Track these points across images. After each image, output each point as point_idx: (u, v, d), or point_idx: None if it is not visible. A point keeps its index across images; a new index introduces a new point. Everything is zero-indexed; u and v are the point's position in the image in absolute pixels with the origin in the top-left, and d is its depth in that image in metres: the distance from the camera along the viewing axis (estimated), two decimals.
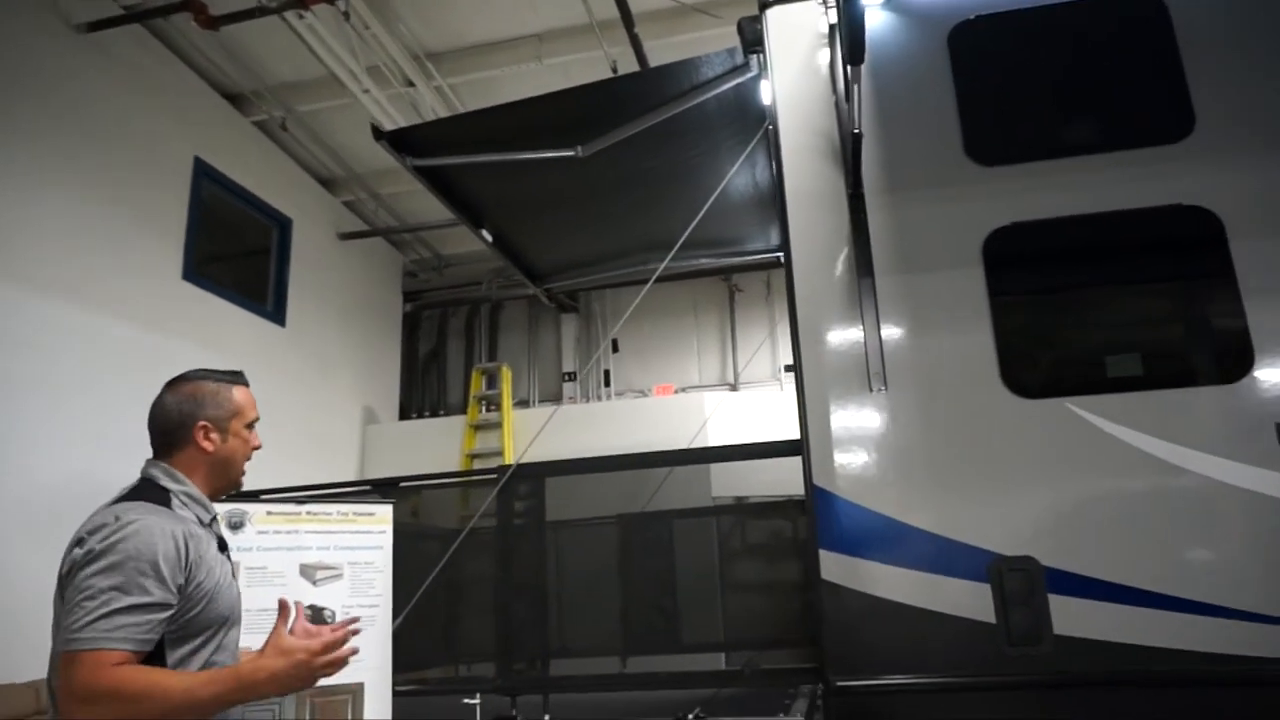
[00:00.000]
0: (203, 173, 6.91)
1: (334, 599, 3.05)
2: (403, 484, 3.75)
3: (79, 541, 1.72)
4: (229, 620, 1.86)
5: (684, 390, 10.34)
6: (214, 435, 1.94)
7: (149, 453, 1.99)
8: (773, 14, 3.58)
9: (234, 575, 1.94)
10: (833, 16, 3.46)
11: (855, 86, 2.81)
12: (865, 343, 3.14)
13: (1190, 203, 3.04)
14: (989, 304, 3.07)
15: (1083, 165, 3.18)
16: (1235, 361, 2.88)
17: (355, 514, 3.12)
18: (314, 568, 3.03)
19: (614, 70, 6.78)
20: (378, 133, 3.99)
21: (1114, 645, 2.70)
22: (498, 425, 9.03)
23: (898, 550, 2.95)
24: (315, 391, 8.14)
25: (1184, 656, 2.63)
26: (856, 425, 3.10)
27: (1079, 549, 2.81)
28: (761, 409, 8.74)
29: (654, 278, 4.08)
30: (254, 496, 3.10)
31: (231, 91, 7.35)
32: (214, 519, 1.96)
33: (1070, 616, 2.76)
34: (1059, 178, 3.17)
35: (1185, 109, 3.13)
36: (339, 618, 3.10)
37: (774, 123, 3.49)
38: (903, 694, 2.85)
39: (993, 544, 2.87)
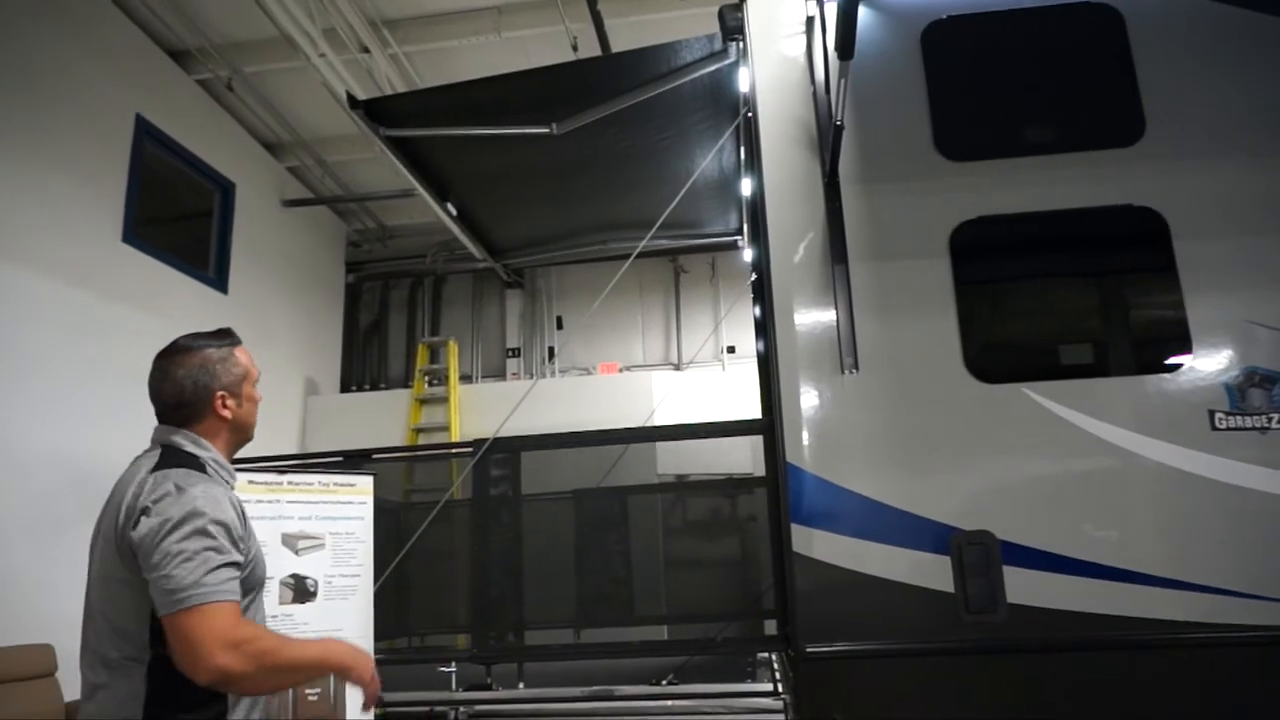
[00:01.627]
0: (145, 132, 6.65)
1: (316, 569, 3.06)
2: (375, 456, 3.75)
3: (145, 510, 1.73)
4: (264, 582, 1.91)
5: (628, 369, 10.45)
6: (230, 402, 1.97)
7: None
8: (754, 3, 3.66)
9: None
10: (812, 8, 3.56)
11: (842, 81, 2.92)
12: (838, 326, 3.28)
13: (1139, 204, 3.25)
14: (955, 293, 3.23)
15: (1043, 164, 3.36)
16: (1175, 352, 3.11)
17: (336, 484, 3.13)
18: (296, 537, 3.02)
19: (574, 47, 6.78)
20: (353, 101, 3.94)
21: (1063, 613, 2.91)
22: (444, 400, 8.97)
23: (865, 524, 3.11)
24: (257, 360, 7.93)
25: (1127, 623, 2.86)
26: (827, 405, 3.24)
27: (1032, 524, 3.01)
28: (706, 389, 8.90)
29: (634, 255, 4.17)
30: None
31: (175, 48, 7.07)
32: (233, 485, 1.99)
33: (1023, 586, 2.96)
34: (1022, 175, 3.35)
35: (1137, 115, 3.34)
36: (321, 587, 3.12)
37: (753, 110, 3.59)
38: (868, 659, 3.02)
39: (953, 519, 3.05)
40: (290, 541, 3.01)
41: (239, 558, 1.76)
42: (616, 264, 10.56)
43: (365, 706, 1.89)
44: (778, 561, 3.44)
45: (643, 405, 8.79)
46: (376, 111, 4.00)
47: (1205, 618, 2.86)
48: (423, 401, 9.07)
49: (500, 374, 10.80)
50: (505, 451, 3.57)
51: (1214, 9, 3.38)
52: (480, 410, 9.11)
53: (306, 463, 3.25)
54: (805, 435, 3.22)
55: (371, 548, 3.15)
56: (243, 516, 1.83)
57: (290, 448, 8.27)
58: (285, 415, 8.55)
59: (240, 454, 2.26)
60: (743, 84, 3.88)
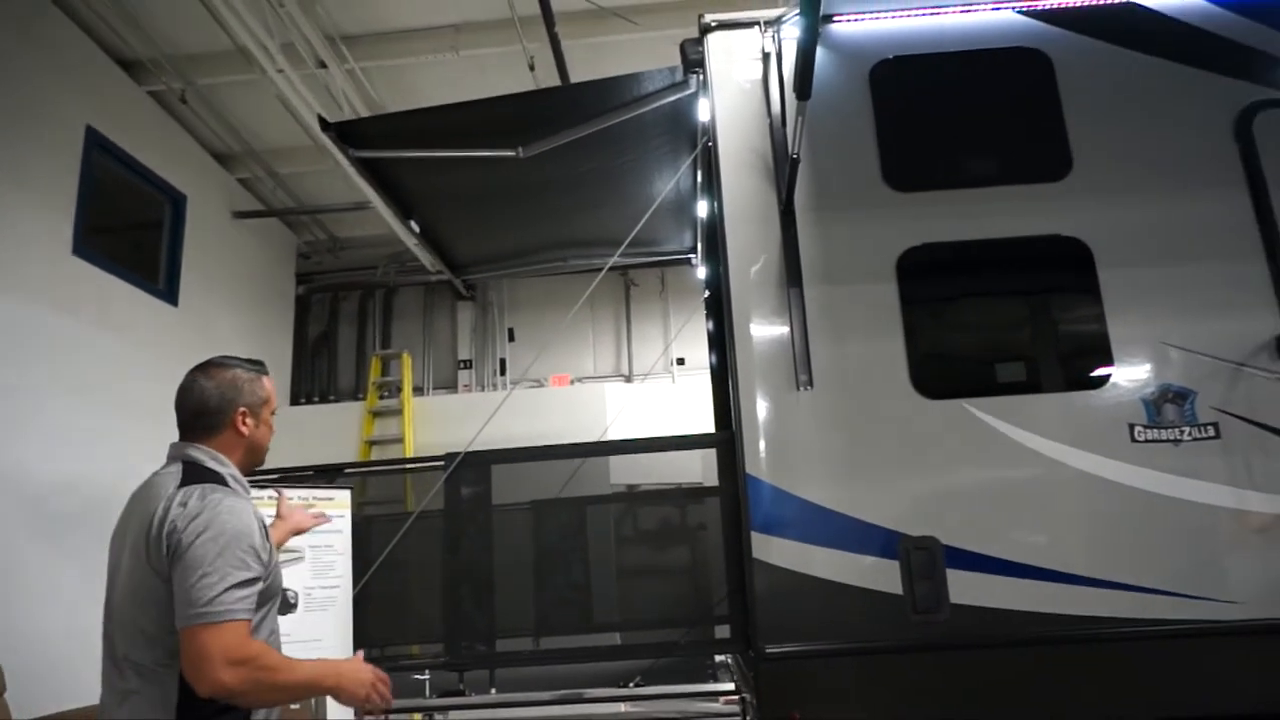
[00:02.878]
0: (95, 143, 6.58)
1: (296, 581, 3.13)
2: (347, 470, 3.83)
3: (173, 527, 1.84)
4: (280, 592, 2.06)
5: (580, 381, 10.57)
6: (249, 421, 2.09)
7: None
8: (714, 38, 3.86)
9: None
10: (769, 44, 3.79)
11: (800, 118, 3.14)
12: (793, 345, 3.49)
13: (1067, 234, 3.55)
14: (901, 315, 3.48)
15: (982, 196, 3.63)
16: (1100, 370, 3.40)
17: (315, 498, 3.21)
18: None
19: (531, 67, 6.92)
20: (324, 123, 4.03)
21: (1001, 612, 3.16)
22: (397, 412, 8.99)
23: (819, 531, 3.32)
24: None
25: (1061, 620, 3.12)
26: (784, 420, 3.45)
27: (973, 530, 3.26)
28: (658, 401, 9.08)
29: (604, 271, 4.35)
30: None
31: (128, 59, 7.01)
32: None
33: (965, 588, 3.20)
34: (962, 206, 3.61)
35: (1065, 152, 3.64)
36: (301, 600, 3.20)
37: (713, 140, 3.79)
38: (823, 658, 3.22)
39: (901, 525, 3.29)
40: None
41: (257, 571, 1.87)
42: (569, 277, 10.72)
43: (362, 714, 2.03)
44: (735, 567, 3.61)
45: (596, 417, 8.93)
46: (347, 133, 4.09)
47: (1128, 614, 3.13)
48: (375, 414, 9.06)
49: (452, 386, 10.83)
50: (477, 464, 3.70)
51: (1132, 57, 3.70)
52: (433, 422, 9.15)
53: (281, 477, 3.33)
54: (764, 448, 3.42)
55: (350, 560, 3.24)
56: (264, 528, 1.94)
57: None
58: None
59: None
60: (703, 114, 4.08)
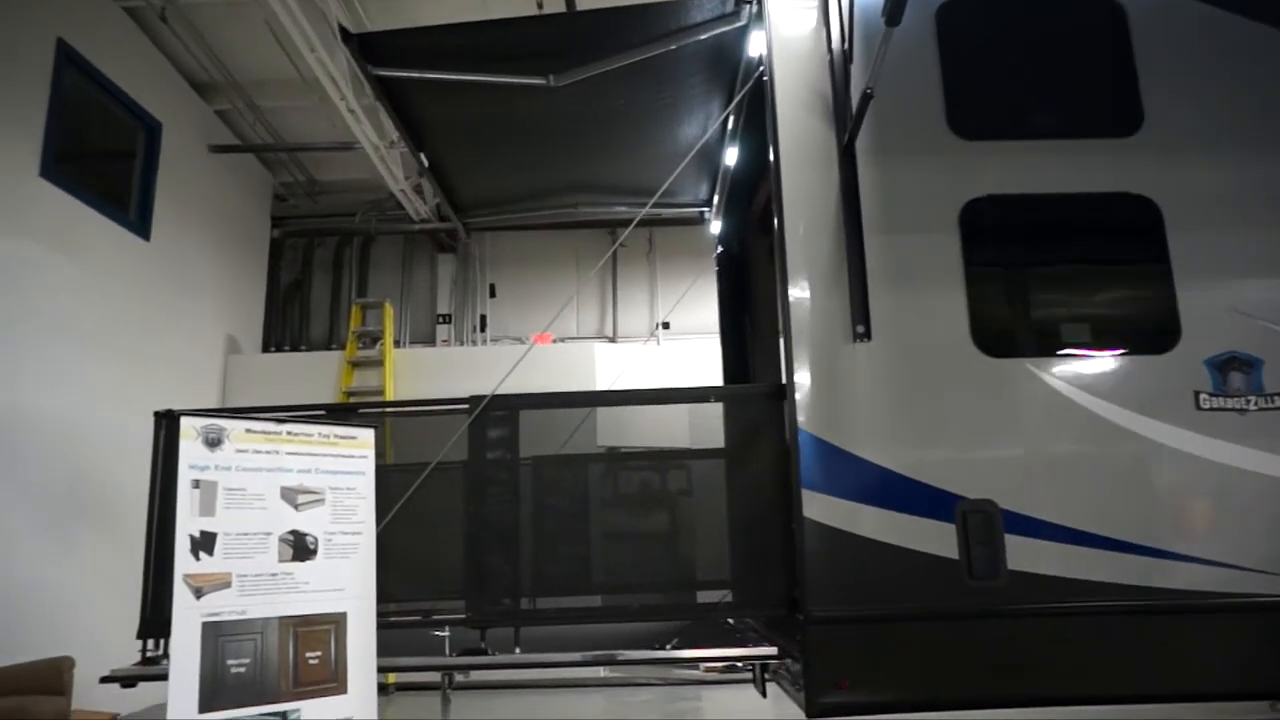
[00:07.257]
0: (67, 58, 6.09)
1: (316, 525, 2.84)
2: (362, 410, 3.54)
3: None
4: None
5: (562, 340, 10.31)
6: None
7: None
8: None
9: None
10: None
11: (883, 48, 2.91)
12: (850, 296, 3.30)
13: (1136, 192, 3.40)
14: (963, 269, 3.30)
15: (1049, 148, 3.46)
16: (1166, 335, 3.27)
17: (337, 436, 2.92)
18: (295, 491, 2.81)
19: (539, 3, 6.58)
20: (345, 34, 3.69)
21: (1059, 579, 3.03)
22: (377, 363, 8.64)
23: (873, 491, 3.15)
24: (178, 314, 7.45)
25: (1119, 590, 3.00)
26: (839, 374, 3.26)
27: (1032, 494, 3.12)
28: (645, 363, 8.87)
29: (632, 225, 4.09)
30: (218, 414, 2.83)
31: None
32: None
33: (1023, 554, 3.07)
34: (1028, 158, 3.44)
35: (1136, 106, 3.47)
36: (321, 545, 2.94)
37: (769, 76, 3.55)
38: (875, 622, 3.07)
39: (958, 488, 3.13)
40: (290, 495, 2.80)
41: None
42: (555, 234, 10.42)
43: None
44: (775, 527, 3.41)
45: (585, 376, 8.69)
46: (368, 48, 3.76)
47: (1184, 585, 3.02)
48: (354, 364, 8.70)
49: (429, 340, 10.49)
50: (504, 409, 3.45)
51: (1209, 12, 3.53)
52: (412, 376, 8.82)
53: (296, 415, 3.04)
54: (817, 402, 3.23)
55: (373, 505, 2.98)
56: None
57: (211, 407, 7.80)
58: (206, 373, 8.06)
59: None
60: (754, 48, 3.83)
